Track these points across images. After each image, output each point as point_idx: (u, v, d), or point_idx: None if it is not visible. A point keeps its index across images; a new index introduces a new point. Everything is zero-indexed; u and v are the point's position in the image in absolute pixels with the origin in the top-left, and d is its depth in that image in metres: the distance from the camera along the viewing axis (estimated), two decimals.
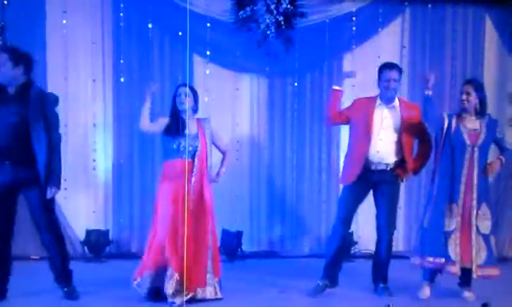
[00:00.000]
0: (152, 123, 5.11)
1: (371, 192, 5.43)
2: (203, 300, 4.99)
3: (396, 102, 5.36)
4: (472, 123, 5.17)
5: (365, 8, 7.41)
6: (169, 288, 4.81)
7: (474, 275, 5.12)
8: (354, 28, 7.40)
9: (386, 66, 5.38)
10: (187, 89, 5.14)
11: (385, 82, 5.28)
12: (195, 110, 5.23)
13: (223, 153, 5.39)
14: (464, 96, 5.18)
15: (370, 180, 5.29)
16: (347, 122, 5.47)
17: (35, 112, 4.74)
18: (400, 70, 5.40)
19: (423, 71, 7.48)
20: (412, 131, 5.32)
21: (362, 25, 7.42)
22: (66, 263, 5.05)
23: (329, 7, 7.35)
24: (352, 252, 7.17)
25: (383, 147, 5.26)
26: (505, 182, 7.43)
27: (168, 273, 4.83)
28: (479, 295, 5.22)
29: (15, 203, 4.87)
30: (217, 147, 5.33)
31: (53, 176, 4.82)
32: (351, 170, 5.32)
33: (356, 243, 7.20)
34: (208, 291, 5.04)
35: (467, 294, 5.27)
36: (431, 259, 5.14)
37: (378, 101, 5.34)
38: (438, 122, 5.20)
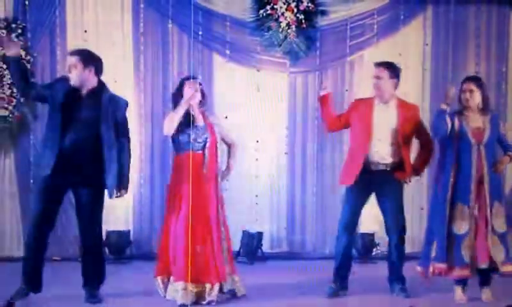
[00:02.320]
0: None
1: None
2: (232, 291, 5.03)
3: (393, 102, 5.29)
4: (475, 121, 5.04)
5: (386, 6, 7.32)
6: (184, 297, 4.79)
7: (501, 270, 5.01)
8: (375, 26, 7.33)
9: (375, 64, 5.37)
10: (195, 84, 5.10)
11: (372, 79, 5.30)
12: (203, 103, 5.19)
13: (229, 145, 5.34)
14: (467, 95, 5.04)
15: (371, 182, 5.22)
16: (348, 126, 5.42)
17: (106, 116, 4.81)
18: (388, 68, 5.28)
19: (445, 69, 7.43)
20: (411, 131, 5.27)
21: (384, 23, 7.34)
22: (100, 269, 5.03)
23: (350, 5, 7.29)
24: (373, 254, 7.09)
25: (382, 147, 5.20)
26: None
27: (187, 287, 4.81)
28: (498, 297, 5.14)
29: (63, 199, 4.92)
30: (223, 140, 5.28)
31: (124, 179, 4.95)
32: (350, 170, 5.28)
33: (378, 245, 7.10)
34: (230, 282, 5.04)
35: (485, 294, 5.16)
36: (441, 265, 5.04)
37: (376, 101, 5.29)
38: (441, 125, 5.05)
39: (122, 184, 4.95)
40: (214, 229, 4.98)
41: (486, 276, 5.15)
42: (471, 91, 5.03)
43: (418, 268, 5.25)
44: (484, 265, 4.99)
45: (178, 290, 4.81)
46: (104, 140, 4.78)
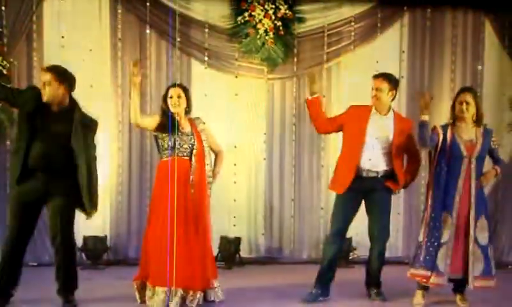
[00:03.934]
0: (144, 117, 5.07)
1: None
2: (213, 301, 5.08)
3: (390, 113, 5.34)
4: (467, 134, 5.07)
5: (363, 13, 7.41)
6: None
7: (471, 286, 5.06)
8: (352, 33, 7.40)
9: (374, 75, 5.39)
10: (177, 90, 5.11)
11: (371, 91, 5.30)
12: (188, 110, 5.20)
13: (216, 153, 5.35)
14: (464, 106, 5.04)
15: (362, 188, 5.24)
16: (340, 129, 5.43)
17: (77, 135, 4.79)
18: (388, 80, 5.29)
19: (422, 76, 7.52)
20: (403, 144, 5.30)
21: (361, 30, 7.43)
22: (73, 274, 5.02)
23: (327, 12, 7.37)
24: (351, 258, 7.14)
25: (375, 156, 5.23)
26: (503, 190, 7.44)
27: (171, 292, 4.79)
28: (476, 300, 5.22)
29: (39, 211, 4.89)
30: (211, 148, 5.29)
31: (94, 199, 4.92)
32: (343, 177, 5.28)
33: (355, 249, 7.16)
34: (219, 291, 5.12)
35: (460, 299, 5.23)
36: (423, 272, 5.06)
37: (373, 110, 5.32)
38: (432, 136, 5.08)
39: (92, 204, 4.94)
40: (202, 236, 5.00)
41: (460, 284, 5.20)
42: (467, 102, 5.05)
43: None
44: (459, 276, 5.07)
45: (159, 295, 4.79)
46: (75, 157, 4.77)
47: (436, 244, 5.02)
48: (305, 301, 5.28)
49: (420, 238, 5.17)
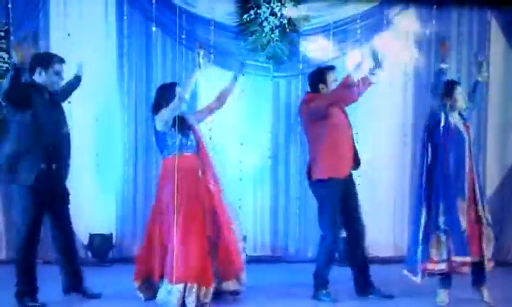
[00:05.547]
0: None
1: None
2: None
3: None
4: (458, 120, 5.19)
5: (369, 11, 7.40)
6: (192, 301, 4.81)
7: (487, 269, 5.06)
8: (358, 31, 7.39)
9: (332, 68, 5.55)
10: None
11: (334, 82, 5.38)
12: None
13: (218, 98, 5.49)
14: (464, 97, 5.24)
15: None
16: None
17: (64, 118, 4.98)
18: None
19: (428, 73, 7.50)
20: None
21: (367, 28, 7.41)
22: (79, 266, 5.17)
23: (333, 10, 7.35)
24: None
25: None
26: (508, 189, 7.43)
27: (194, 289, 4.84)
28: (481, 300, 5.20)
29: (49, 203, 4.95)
30: (211, 111, 5.51)
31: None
32: (343, 161, 5.26)
33: None
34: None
35: (486, 293, 5.15)
36: (463, 258, 4.96)
37: None
38: (435, 117, 5.15)
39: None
40: (227, 226, 5.11)
41: (480, 274, 5.13)
42: (461, 93, 5.20)
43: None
44: (475, 259, 5.02)
45: (174, 292, 4.81)
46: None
47: (455, 231, 4.97)
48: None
49: (442, 226, 5.03)
